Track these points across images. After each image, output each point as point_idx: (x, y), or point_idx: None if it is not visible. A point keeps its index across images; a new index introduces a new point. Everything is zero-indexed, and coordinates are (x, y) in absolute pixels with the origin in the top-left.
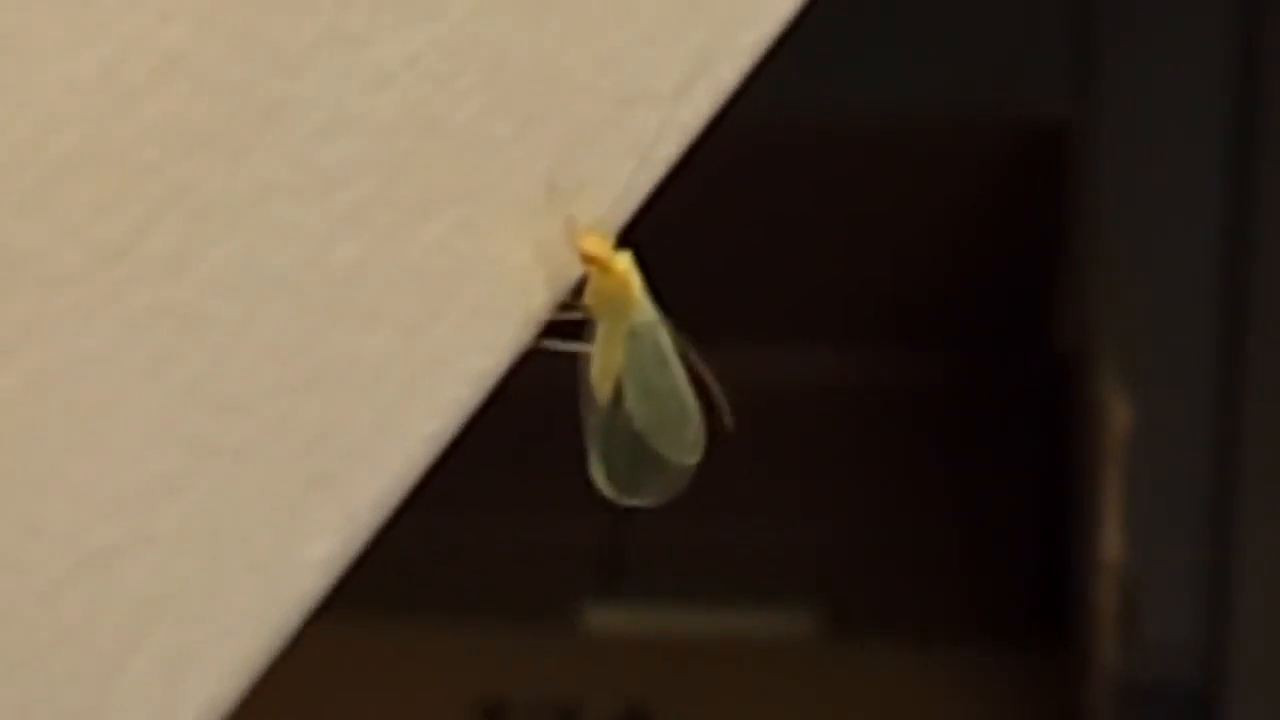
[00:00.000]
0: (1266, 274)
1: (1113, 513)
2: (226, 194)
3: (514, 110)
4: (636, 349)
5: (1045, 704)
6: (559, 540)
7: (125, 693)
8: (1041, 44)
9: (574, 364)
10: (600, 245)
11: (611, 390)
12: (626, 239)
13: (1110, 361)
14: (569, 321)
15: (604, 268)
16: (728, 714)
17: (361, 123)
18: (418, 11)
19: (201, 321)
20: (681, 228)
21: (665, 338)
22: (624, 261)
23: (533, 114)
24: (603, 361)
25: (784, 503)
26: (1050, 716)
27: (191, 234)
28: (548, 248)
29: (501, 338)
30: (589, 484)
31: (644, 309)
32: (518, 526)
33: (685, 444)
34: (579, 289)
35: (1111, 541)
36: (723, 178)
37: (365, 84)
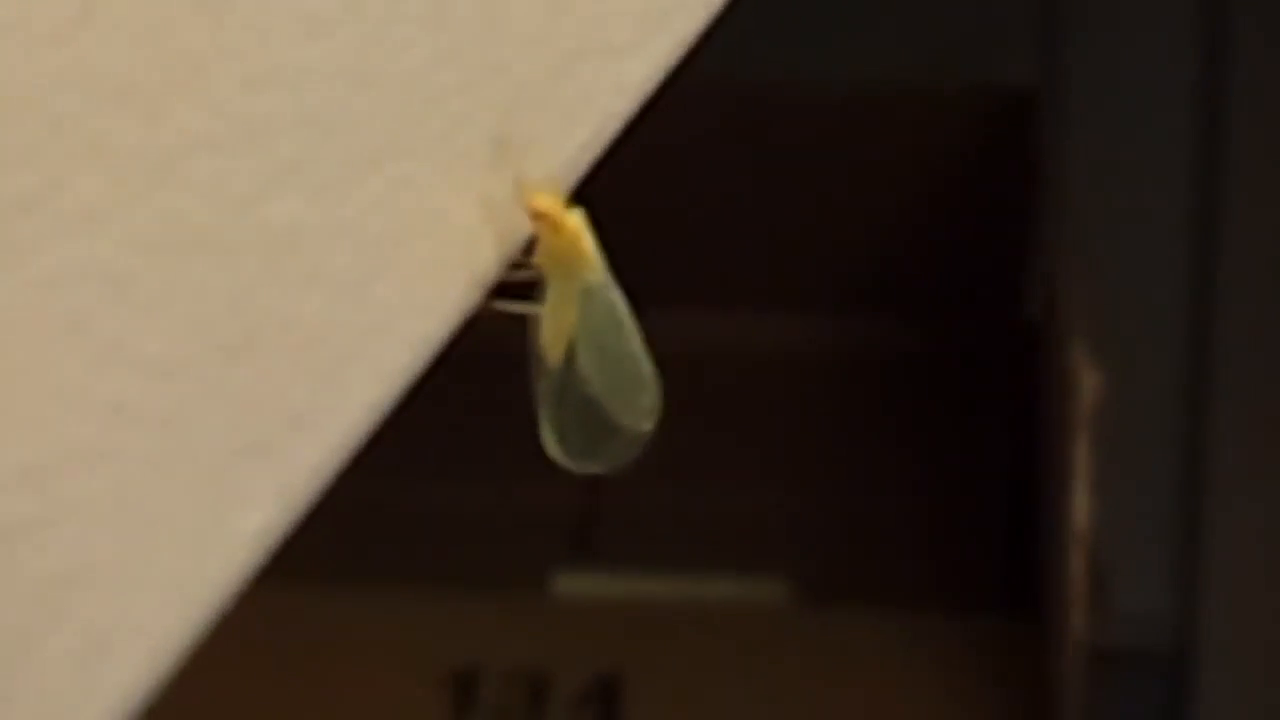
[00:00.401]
0: (1235, 241)
1: (1082, 480)
2: (147, 147)
3: (459, 61)
4: (590, 310)
5: (1016, 672)
6: (529, 507)
7: (36, 678)
8: (1010, 11)
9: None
10: (551, 202)
11: (563, 353)
12: (581, 197)
13: (1079, 329)
14: (521, 282)
15: (555, 226)
16: (700, 682)
17: (293, 74)
18: None
19: (121, 281)
20: (649, 193)
21: (619, 298)
22: (575, 219)
23: (479, 66)
24: (554, 323)
25: (754, 470)
26: (1021, 684)
27: (109, 189)
28: (496, 205)
29: (446, 299)
30: None
31: (596, 268)
32: (486, 493)
33: (641, 409)
34: (530, 248)
35: (1081, 509)
36: (688, 145)
37: (297, 33)
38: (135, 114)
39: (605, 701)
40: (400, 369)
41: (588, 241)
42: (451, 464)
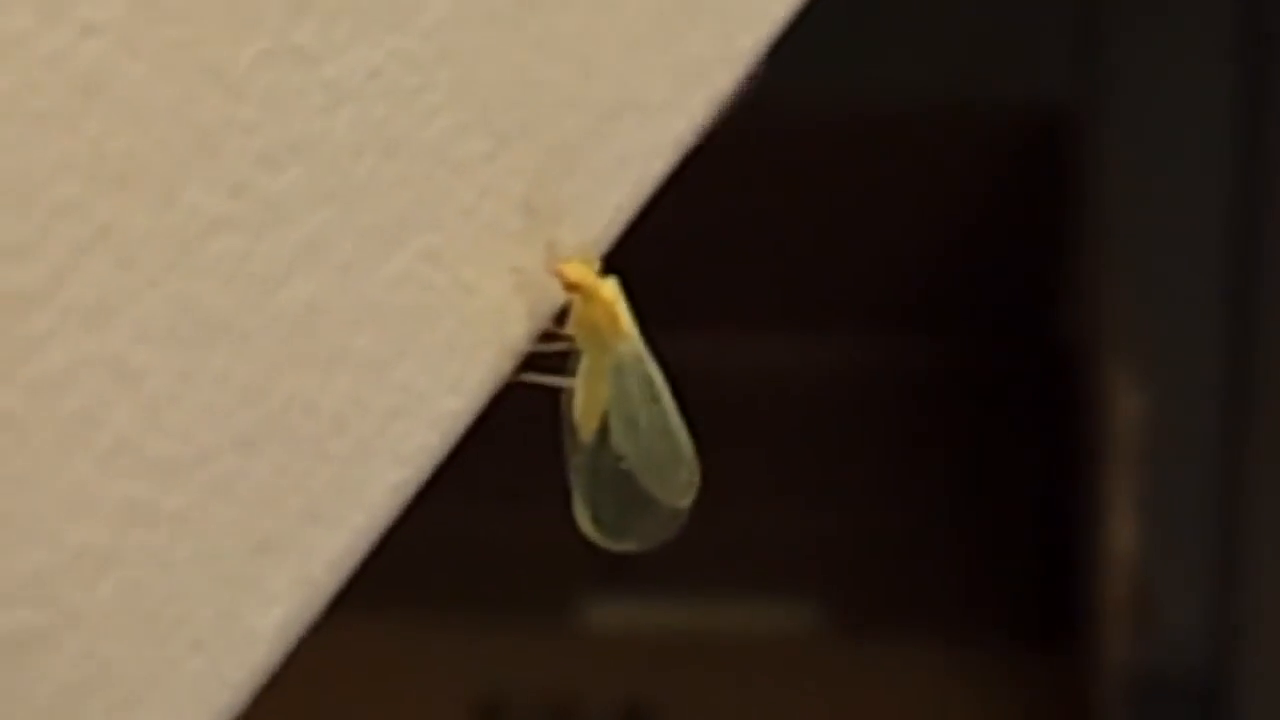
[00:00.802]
0: (1274, 258)
1: (1122, 504)
2: (158, 231)
3: (486, 128)
4: (623, 382)
5: (1054, 699)
6: (558, 535)
7: None
8: (1044, 28)
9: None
10: (584, 272)
11: (597, 427)
12: (613, 262)
13: (1117, 350)
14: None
15: (588, 296)
16: (730, 712)
17: (314, 147)
18: (378, 22)
19: (132, 375)
20: (680, 217)
21: (655, 370)
22: (609, 289)
23: (507, 131)
24: (587, 396)
25: (786, 495)
26: (1059, 711)
27: (118, 278)
28: (526, 276)
29: (475, 375)
30: None
31: (631, 339)
32: (516, 520)
33: (677, 485)
34: (562, 318)
35: (1121, 534)
36: (722, 166)
37: (318, 104)
38: (145, 197)
39: None
40: (427, 451)
41: (623, 311)
42: (478, 488)
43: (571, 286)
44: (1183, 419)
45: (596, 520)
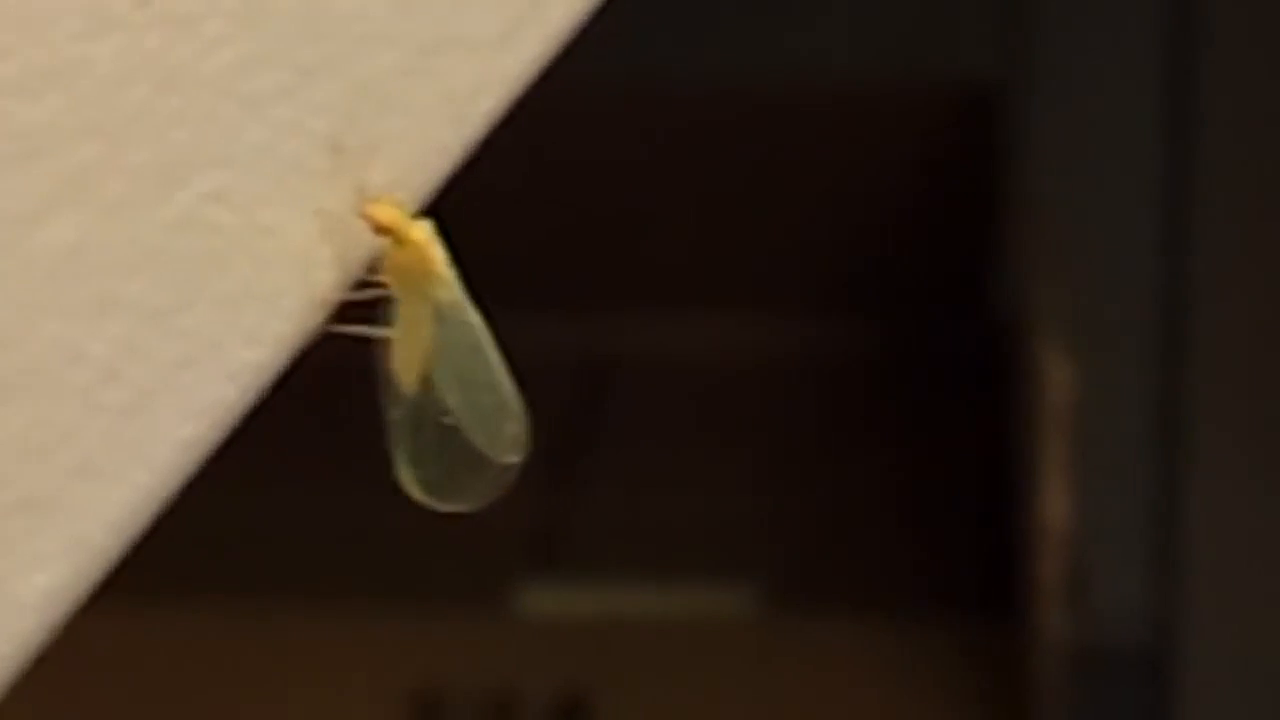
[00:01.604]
0: (1206, 233)
1: (1056, 478)
2: None
3: (283, 61)
4: (445, 332)
5: (994, 673)
6: (490, 519)
7: None
8: (972, 6)
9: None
10: (393, 214)
11: (417, 379)
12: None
13: (1050, 326)
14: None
15: (399, 239)
16: (672, 698)
17: (76, 75)
18: None
19: None
20: (614, 200)
21: (476, 319)
22: (422, 231)
23: (310, 65)
24: (406, 347)
25: (722, 476)
26: (999, 685)
27: None
28: (334, 220)
29: (276, 325)
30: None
31: (449, 286)
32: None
33: (506, 440)
34: (377, 266)
35: (1056, 507)
36: (655, 150)
37: (80, 29)
38: None
39: (576, 719)
40: (222, 404)
41: (438, 255)
42: None
43: (381, 229)
44: (1117, 393)
45: (421, 479)
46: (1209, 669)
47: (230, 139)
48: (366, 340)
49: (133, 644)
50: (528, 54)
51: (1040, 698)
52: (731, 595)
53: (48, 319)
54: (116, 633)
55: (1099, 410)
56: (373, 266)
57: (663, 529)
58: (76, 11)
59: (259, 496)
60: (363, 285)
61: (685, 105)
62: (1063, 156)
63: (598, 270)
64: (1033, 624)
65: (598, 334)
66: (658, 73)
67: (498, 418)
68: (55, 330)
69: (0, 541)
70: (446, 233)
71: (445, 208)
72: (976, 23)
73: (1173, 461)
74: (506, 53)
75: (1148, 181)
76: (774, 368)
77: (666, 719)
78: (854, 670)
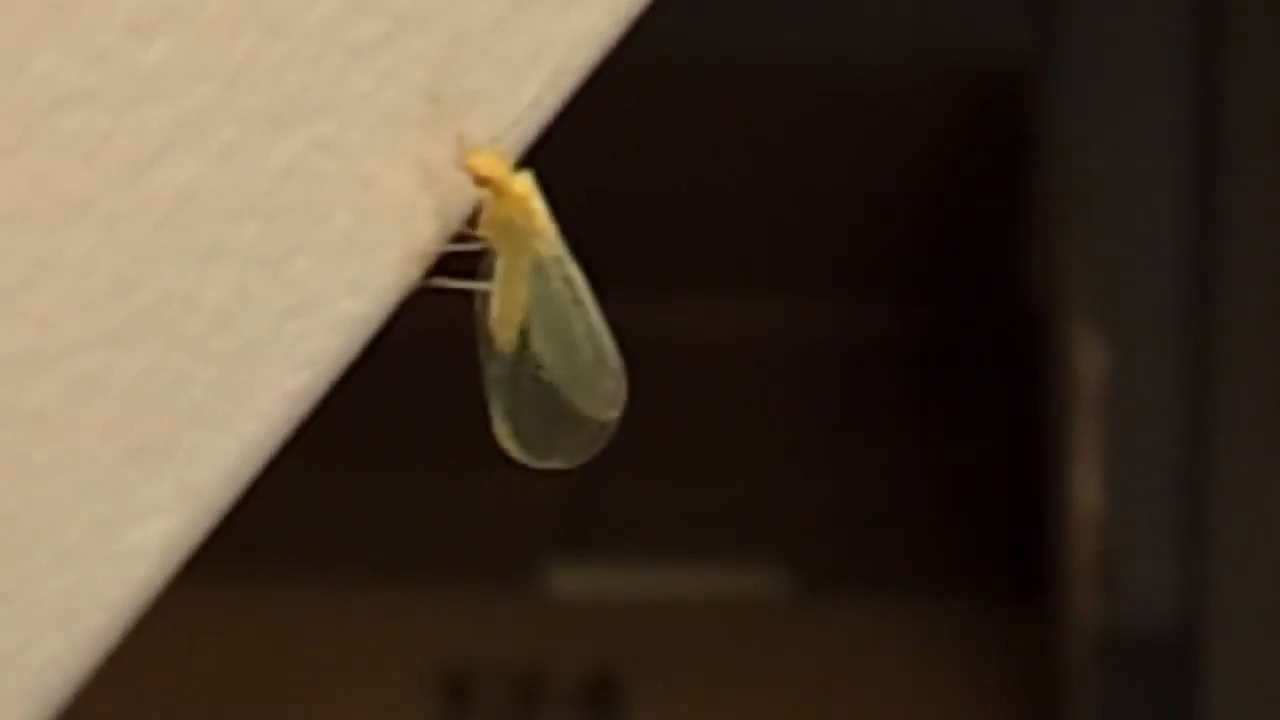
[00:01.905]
0: (1235, 217)
1: (1086, 461)
2: (7, 102)
3: (382, 8)
4: (543, 287)
5: (1023, 655)
6: (520, 500)
7: None
8: None
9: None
10: (496, 165)
11: (515, 335)
12: (532, 164)
13: (1081, 309)
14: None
15: (500, 191)
16: (700, 680)
17: (187, 16)
18: None
19: None
20: (641, 181)
21: (576, 272)
22: (524, 183)
23: (406, 13)
24: (504, 301)
25: (752, 458)
26: (1028, 667)
27: None
28: (433, 170)
29: (378, 276)
30: None
31: (550, 239)
32: (476, 486)
33: (604, 396)
34: (475, 218)
35: (1086, 490)
36: (682, 134)
37: None
38: None
39: (604, 700)
40: (327, 354)
41: (539, 208)
42: (438, 456)
43: (483, 181)
44: (1146, 375)
45: (518, 436)
46: (1238, 652)
47: (334, 86)
48: (457, 294)
49: (160, 619)
50: (618, 8)
51: (1069, 681)
52: (761, 577)
53: (163, 264)
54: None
55: (1128, 393)
56: (470, 219)
57: (692, 511)
58: None
59: (289, 474)
60: (460, 238)
61: (713, 90)
62: (1091, 142)
63: (632, 252)
64: (1062, 607)
65: (629, 316)
66: (684, 55)
67: (595, 373)
68: (170, 276)
69: (117, 488)
70: (545, 186)
71: None
72: (1005, 9)
73: (1202, 446)
74: (597, 6)
75: (1176, 166)
76: (804, 351)
77: (695, 700)
78: (883, 653)
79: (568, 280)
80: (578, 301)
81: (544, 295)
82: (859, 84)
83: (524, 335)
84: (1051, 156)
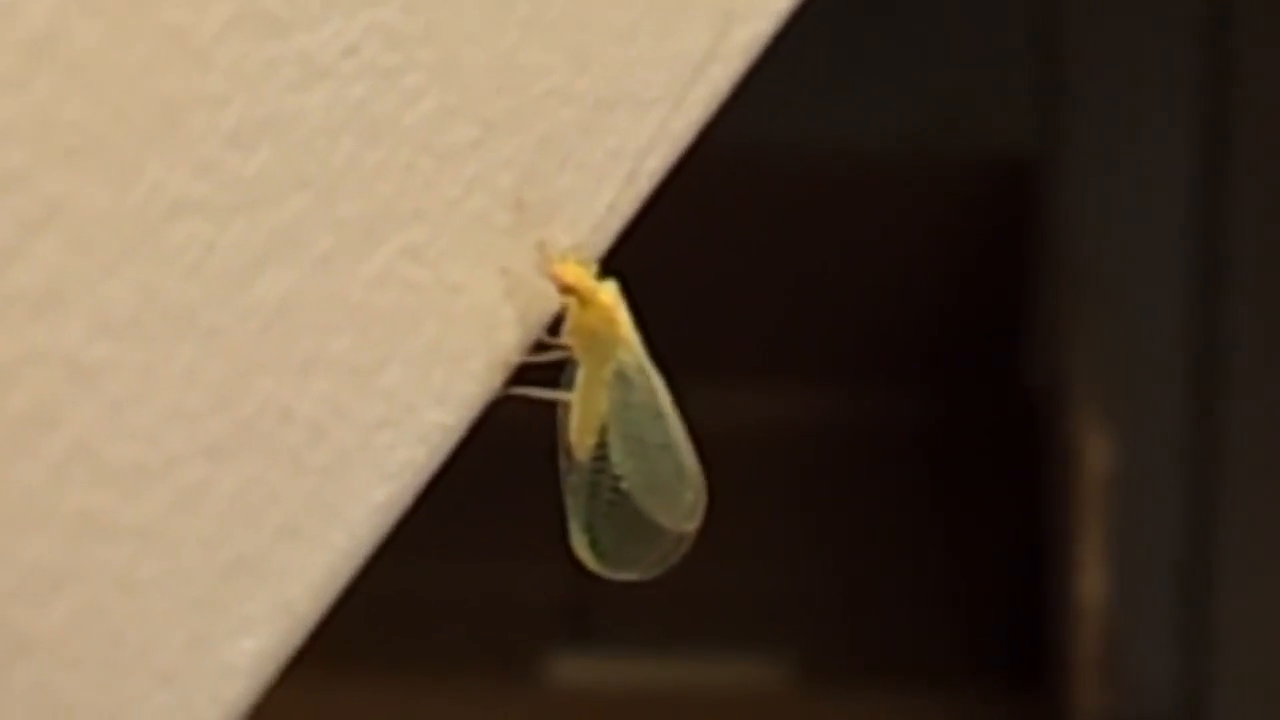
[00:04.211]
0: (1239, 309)
1: (1091, 553)
2: (115, 212)
3: (473, 114)
4: (624, 395)
5: None
6: (522, 588)
7: None
8: (1007, 80)
9: (538, 405)
10: (581, 273)
11: (594, 444)
12: (608, 267)
13: (1085, 399)
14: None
15: (585, 300)
16: None
17: (287, 127)
18: None
19: (87, 372)
20: (647, 263)
21: (658, 382)
22: (609, 292)
23: (495, 119)
24: (584, 409)
25: (755, 547)
26: None
27: (70, 263)
28: (516, 277)
29: (463, 386)
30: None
31: (632, 348)
32: (478, 575)
33: (682, 507)
34: (555, 326)
35: (1090, 583)
36: (687, 216)
37: (291, 79)
38: (100, 173)
39: None
40: (413, 466)
41: (623, 317)
42: (439, 544)
43: (567, 289)
44: (1150, 467)
45: (595, 547)
46: None
47: (425, 193)
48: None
49: None
50: (695, 114)
51: None
52: (765, 667)
53: (261, 376)
54: None
55: (1132, 484)
56: (550, 327)
57: (696, 600)
58: (291, 60)
59: None
60: (542, 347)
61: (720, 171)
62: (1097, 230)
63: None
64: (1065, 698)
65: None
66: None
67: (675, 484)
68: (268, 388)
69: (216, 605)
70: (629, 294)
71: None
72: (1012, 95)
73: (1205, 538)
74: (676, 112)
75: (1182, 256)
76: (808, 439)
77: None
78: None
79: (650, 391)
80: (658, 413)
81: (625, 405)
82: (866, 169)
83: (603, 445)
84: (1057, 245)
